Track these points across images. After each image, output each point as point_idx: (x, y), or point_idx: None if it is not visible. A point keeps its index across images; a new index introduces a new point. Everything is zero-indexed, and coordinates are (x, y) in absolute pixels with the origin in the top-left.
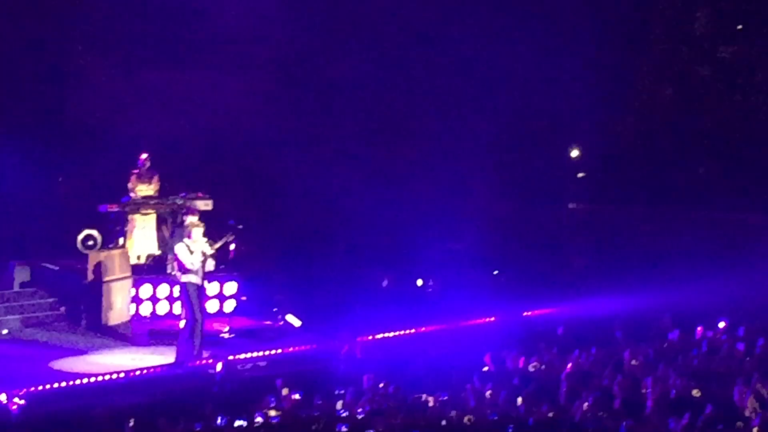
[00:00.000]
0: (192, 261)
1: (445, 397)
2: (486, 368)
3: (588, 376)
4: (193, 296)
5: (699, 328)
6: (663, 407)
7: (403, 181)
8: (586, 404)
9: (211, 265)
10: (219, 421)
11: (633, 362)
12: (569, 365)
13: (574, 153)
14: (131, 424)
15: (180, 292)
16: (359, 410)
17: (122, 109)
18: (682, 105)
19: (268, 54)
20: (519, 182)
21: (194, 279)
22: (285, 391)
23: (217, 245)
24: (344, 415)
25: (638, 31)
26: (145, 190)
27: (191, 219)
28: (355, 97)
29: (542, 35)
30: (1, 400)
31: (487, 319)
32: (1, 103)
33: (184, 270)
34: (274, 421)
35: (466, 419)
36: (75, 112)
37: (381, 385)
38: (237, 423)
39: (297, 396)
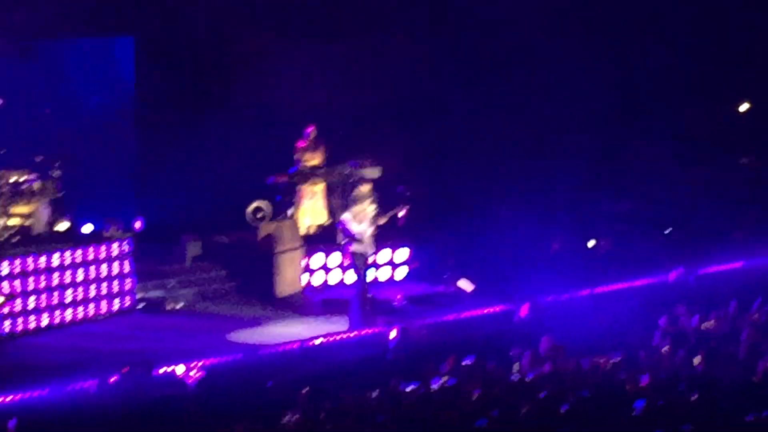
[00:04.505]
0: (359, 230)
1: (618, 359)
2: (661, 328)
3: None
4: (360, 265)
5: None
6: None
7: (573, 141)
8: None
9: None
10: (394, 387)
11: None
12: (747, 322)
13: (744, 107)
14: (305, 391)
15: (349, 261)
16: (531, 374)
17: (288, 79)
18: None
19: (429, 18)
20: (690, 139)
21: (361, 248)
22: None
23: (387, 216)
24: (516, 379)
25: None
26: (312, 160)
27: (359, 188)
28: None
29: None
30: (180, 372)
31: (661, 278)
32: (173, 76)
33: (351, 239)
34: (450, 384)
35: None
36: (241, 85)
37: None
38: (411, 388)
39: (469, 362)
